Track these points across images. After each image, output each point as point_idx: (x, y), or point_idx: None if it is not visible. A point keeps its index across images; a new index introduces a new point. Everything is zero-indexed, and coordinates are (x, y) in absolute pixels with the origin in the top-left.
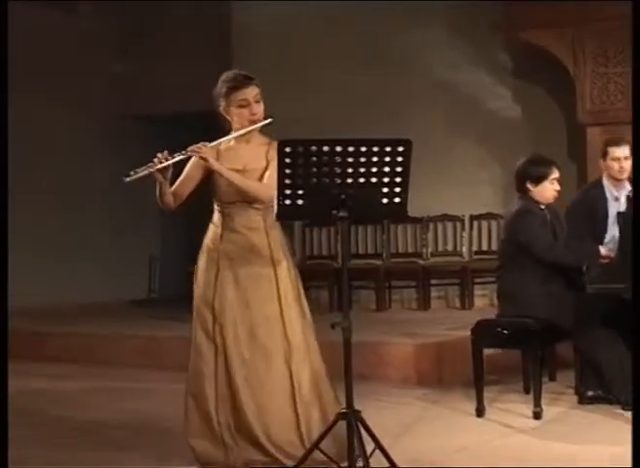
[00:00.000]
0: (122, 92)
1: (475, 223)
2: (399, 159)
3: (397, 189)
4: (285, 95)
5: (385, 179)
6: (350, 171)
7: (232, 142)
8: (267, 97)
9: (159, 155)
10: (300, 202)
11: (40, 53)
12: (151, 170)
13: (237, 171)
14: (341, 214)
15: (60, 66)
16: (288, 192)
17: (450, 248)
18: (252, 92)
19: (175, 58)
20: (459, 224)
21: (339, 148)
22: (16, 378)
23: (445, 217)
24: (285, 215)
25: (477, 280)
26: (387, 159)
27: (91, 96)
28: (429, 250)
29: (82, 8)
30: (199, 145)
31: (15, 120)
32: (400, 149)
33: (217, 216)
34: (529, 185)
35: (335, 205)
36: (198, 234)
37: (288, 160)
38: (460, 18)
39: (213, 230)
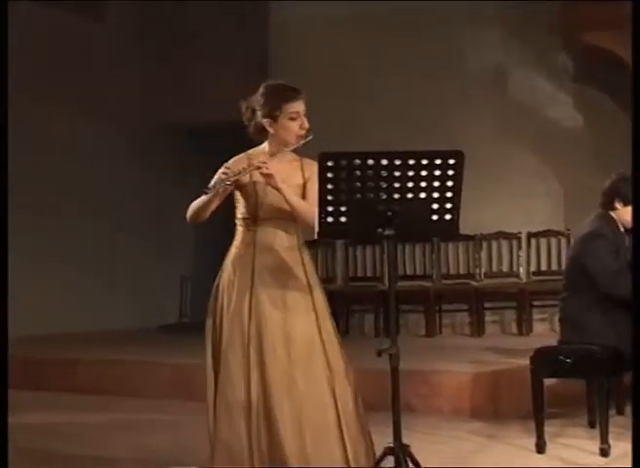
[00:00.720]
0: (152, 100)
1: (533, 241)
2: (450, 172)
3: (448, 205)
4: (327, 103)
5: (435, 195)
6: (397, 185)
7: (261, 157)
8: (308, 107)
9: (228, 165)
10: (342, 219)
11: (68, 60)
12: (228, 183)
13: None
14: (388, 232)
15: (90, 75)
16: (330, 209)
17: (505, 268)
18: (302, 105)
19: (205, 65)
20: (515, 242)
21: (384, 161)
22: (22, 411)
23: (500, 235)
24: (327, 234)
25: (536, 303)
26: (437, 173)
27: (120, 105)
28: (483, 270)
29: (110, 12)
30: (264, 160)
31: (39, 131)
32: (451, 162)
33: (245, 234)
34: (617, 204)
35: (380, 222)
36: None
37: (330, 174)
38: (514, 18)
39: (240, 249)
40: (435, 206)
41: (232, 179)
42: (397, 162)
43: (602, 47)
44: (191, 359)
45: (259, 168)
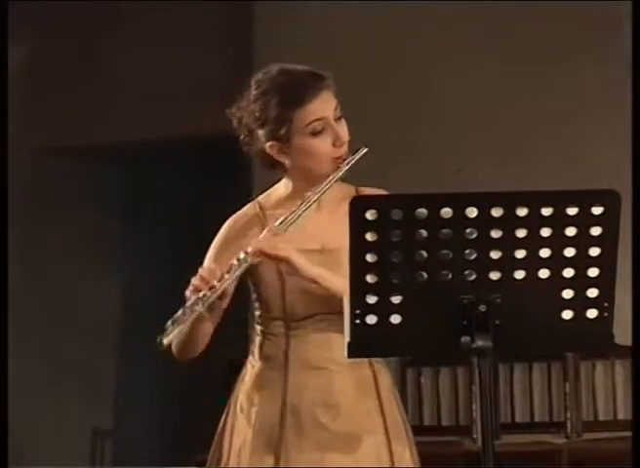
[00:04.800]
0: (40, 110)
1: None
2: (595, 231)
3: (592, 292)
4: (358, 113)
5: (567, 273)
6: (497, 256)
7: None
8: None
9: (203, 274)
10: (395, 319)
11: None
12: (199, 310)
13: (311, 252)
14: (480, 342)
15: None
16: (372, 300)
17: None
18: (328, 103)
19: (134, 54)
20: None
21: (473, 212)
22: None
23: None
24: (365, 346)
25: None
26: (571, 232)
27: None
28: None
29: None
30: (266, 235)
31: None
32: (597, 211)
33: (269, 347)
34: None
35: (466, 325)
36: (183, 388)
37: (371, 236)
38: None
39: (260, 371)
40: (568, 293)
41: (212, 299)
42: (496, 213)
43: None
44: None
45: (267, 255)
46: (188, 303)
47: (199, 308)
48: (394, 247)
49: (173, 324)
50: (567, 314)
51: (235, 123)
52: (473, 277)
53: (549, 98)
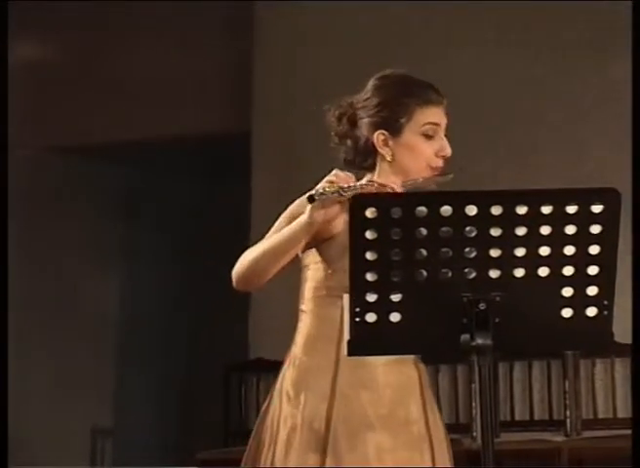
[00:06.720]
0: (43, 109)
1: None
2: (595, 229)
3: (591, 290)
4: None
5: (568, 270)
6: (496, 255)
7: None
8: None
9: (339, 173)
10: (394, 317)
11: None
12: (348, 191)
13: None
14: (480, 340)
15: None
16: (371, 298)
17: None
18: (444, 117)
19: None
20: None
21: (472, 210)
22: None
23: None
24: (365, 344)
25: None
26: (571, 230)
27: None
28: None
29: None
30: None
31: None
32: (596, 209)
33: (319, 327)
34: None
35: (465, 323)
36: (183, 387)
37: (371, 235)
38: None
39: (308, 360)
40: (568, 291)
41: (353, 191)
42: (496, 211)
43: None
44: None
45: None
46: (329, 188)
47: (345, 193)
48: (394, 245)
49: (321, 193)
50: (567, 312)
51: (334, 119)
52: (473, 275)
53: (551, 98)
